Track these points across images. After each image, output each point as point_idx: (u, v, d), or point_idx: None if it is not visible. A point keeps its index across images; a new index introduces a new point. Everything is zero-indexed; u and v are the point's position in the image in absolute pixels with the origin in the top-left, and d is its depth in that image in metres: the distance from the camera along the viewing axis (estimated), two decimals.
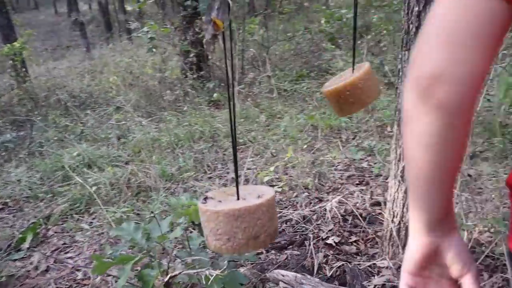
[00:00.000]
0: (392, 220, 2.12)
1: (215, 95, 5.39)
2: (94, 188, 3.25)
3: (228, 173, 3.72)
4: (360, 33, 9.89)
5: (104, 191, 3.34)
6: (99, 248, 2.84)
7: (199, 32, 6.08)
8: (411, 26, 1.85)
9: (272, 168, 2.95)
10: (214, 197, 0.88)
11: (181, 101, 5.62)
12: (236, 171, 0.84)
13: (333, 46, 7.79)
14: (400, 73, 1.95)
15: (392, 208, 2.12)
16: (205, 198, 0.86)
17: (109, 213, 2.99)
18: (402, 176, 2.03)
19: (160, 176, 3.61)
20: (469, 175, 3.33)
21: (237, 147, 3.59)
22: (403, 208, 2.07)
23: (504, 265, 2.11)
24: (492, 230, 1.98)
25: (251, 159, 3.77)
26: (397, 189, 2.07)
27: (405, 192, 2.04)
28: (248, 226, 0.81)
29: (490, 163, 3.43)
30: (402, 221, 2.08)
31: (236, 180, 0.84)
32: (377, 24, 8.98)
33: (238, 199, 0.86)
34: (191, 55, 6.13)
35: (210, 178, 3.67)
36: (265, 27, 8.58)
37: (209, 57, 6.69)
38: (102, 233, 2.97)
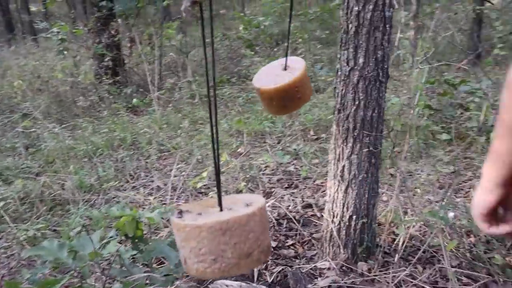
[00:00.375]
0: (332, 221, 2.11)
1: (134, 100, 5.12)
2: (0, 203, 2.88)
3: (152, 181, 3.52)
4: (276, 41, 10.12)
5: (13, 206, 2.98)
6: (8, 272, 2.50)
7: (115, 34, 5.77)
8: (350, 25, 1.85)
9: (205, 174, 2.83)
10: (190, 210, 0.72)
11: (97, 107, 5.26)
12: (217, 175, 0.71)
13: (252, 53, 7.86)
14: (339, 72, 1.95)
15: (332, 209, 2.11)
16: (180, 212, 0.70)
17: (20, 232, 2.65)
18: (342, 176, 2.03)
19: (78, 188, 3.31)
20: (391, 174, 3.48)
21: (162, 155, 3.39)
22: (343, 208, 2.06)
23: (433, 256, 2.19)
24: (427, 224, 2.05)
25: (177, 165, 3.61)
26: (337, 189, 2.06)
27: (345, 191, 2.04)
28: (239, 241, 0.65)
29: (408, 162, 3.62)
30: (342, 220, 2.08)
31: (218, 188, 0.70)
32: (293, 32, 9.23)
33: (221, 210, 0.71)
34: (106, 59, 5.78)
35: (133, 187, 3.44)
36: (183, 32, 8.41)
37: (125, 61, 6.38)
38: (12, 255, 2.62)
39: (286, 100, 1.42)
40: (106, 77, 5.62)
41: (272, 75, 1.47)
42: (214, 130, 0.74)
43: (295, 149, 4.12)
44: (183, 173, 3.41)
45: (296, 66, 1.47)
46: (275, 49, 9.17)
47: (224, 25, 11.33)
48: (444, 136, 3.38)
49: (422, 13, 8.03)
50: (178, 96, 5.69)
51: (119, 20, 5.82)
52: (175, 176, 3.43)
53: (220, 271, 0.65)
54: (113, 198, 3.18)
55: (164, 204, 2.99)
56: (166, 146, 4.23)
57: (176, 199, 3.13)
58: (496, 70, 7.00)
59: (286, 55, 1.57)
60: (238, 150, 3.98)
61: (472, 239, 2.20)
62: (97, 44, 5.85)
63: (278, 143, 4.39)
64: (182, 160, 3.88)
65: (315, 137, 4.54)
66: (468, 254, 2.05)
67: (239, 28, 9.24)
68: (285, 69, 1.50)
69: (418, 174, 3.35)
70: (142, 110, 5.59)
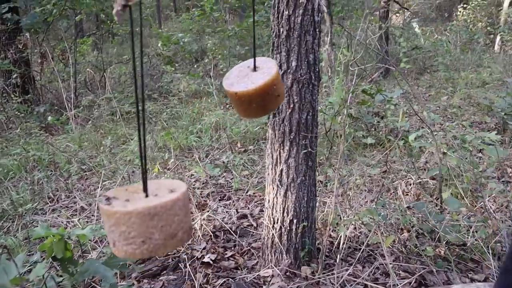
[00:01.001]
0: (273, 226, 2.08)
1: (49, 118, 4.77)
2: None
3: (75, 202, 3.26)
4: (195, 58, 10.08)
5: None
6: None
7: (23, 49, 5.36)
8: (281, 29, 1.86)
9: None
10: (117, 196, 0.71)
11: (5, 128, 4.82)
12: (143, 162, 0.69)
13: (173, 69, 7.76)
14: None
15: (272, 214, 2.08)
16: (108, 199, 0.68)
17: None
18: (280, 180, 2.02)
19: None
20: (320, 181, 3.56)
21: (83, 174, 3.15)
22: (283, 212, 2.05)
23: (370, 255, 2.25)
24: (365, 223, 2.10)
25: (102, 183, 3.39)
26: (276, 194, 2.05)
27: (284, 195, 2.03)
28: (166, 224, 0.69)
29: (339, 165, 3.73)
30: (283, 225, 2.06)
31: (144, 175, 0.69)
32: (212, 49, 9.28)
33: (147, 196, 0.71)
34: (14, 75, 5.34)
35: (54, 210, 3.17)
36: (99, 49, 8.08)
37: (36, 78, 5.94)
38: None
39: (266, 100, 1.37)
40: (14, 95, 5.18)
41: (244, 77, 1.41)
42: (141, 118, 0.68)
43: (224, 162, 4.08)
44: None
45: (266, 65, 1.43)
46: (195, 65, 9.14)
47: (142, 42, 11.08)
48: (369, 140, 3.54)
49: (335, 32, 8.49)
50: (97, 113, 5.41)
51: (27, 34, 5.42)
52: (100, 195, 3.21)
53: (148, 251, 0.69)
54: (31, 222, 2.89)
55: (91, 224, 2.77)
56: (88, 165, 3.97)
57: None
58: (404, 82, 7.55)
59: (254, 56, 1.52)
60: (168, 166, 3.85)
61: (406, 234, 2.29)
62: (2, 60, 5.39)
63: (206, 156, 4.32)
64: (106, 178, 3.66)
65: (243, 149, 4.54)
66: (403, 249, 2.13)
67: (158, 45, 9.09)
68: (254, 70, 1.44)
69: (348, 178, 3.46)
70: (57, 129, 5.24)
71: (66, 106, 5.12)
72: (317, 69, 1.95)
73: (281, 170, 2.01)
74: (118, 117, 5.26)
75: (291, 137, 1.96)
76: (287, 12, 1.84)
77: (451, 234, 2.22)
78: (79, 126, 5.05)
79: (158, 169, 3.00)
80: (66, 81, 6.50)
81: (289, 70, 1.90)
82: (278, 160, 2.01)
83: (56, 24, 7.25)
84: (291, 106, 1.93)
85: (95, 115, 5.39)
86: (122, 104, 5.99)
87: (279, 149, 1.99)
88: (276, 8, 1.88)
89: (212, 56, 8.71)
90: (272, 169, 2.05)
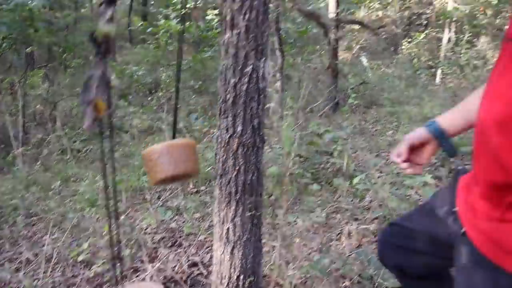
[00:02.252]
0: (221, 282, 2.15)
1: None
2: None
3: (21, 253, 3.18)
4: (149, 90, 10.06)
5: None
6: None
7: None
8: (227, 96, 1.97)
9: (86, 245, 2.66)
10: None
11: None
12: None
13: (126, 103, 7.73)
14: (219, 139, 2.05)
15: (220, 271, 2.15)
16: None
17: None
18: (227, 238, 2.09)
19: None
20: (268, 223, 3.66)
21: (30, 220, 3.09)
22: (230, 268, 2.12)
23: None
24: (308, 276, 2.21)
25: (50, 231, 3.33)
26: (223, 251, 2.12)
27: (231, 253, 2.10)
28: None
29: (284, 212, 3.84)
30: (231, 281, 2.13)
31: None
32: (166, 82, 9.30)
33: None
34: None
35: None
36: (51, 81, 7.94)
37: None
38: None
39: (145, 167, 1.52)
40: None
41: None
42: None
43: (176, 205, 4.10)
44: (59, 241, 3.16)
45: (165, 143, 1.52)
46: (149, 98, 9.13)
47: None
48: (315, 187, 3.69)
49: (286, 64, 8.76)
50: (47, 152, 5.31)
51: None
52: (48, 244, 3.15)
53: None
54: None
55: (37, 279, 2.72)
56: (35, 210, 3.89)
57: (51, 271, 2.88)
58: (352, 116, 7.86)
59: (174, 126, 1.61)
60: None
61: (347, 283, 2.42)
62: None
63: (158, 198, 4.33)
64: (54, 225, 3.59)
65: (195, 189, 4.58)
66: None
67: (111, 77, 9.04)
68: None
69: (295, 223, 3.57)
70: (2, 169, 5.09)
71: (13, 144, 4.99)
72: (262, 133, 2.07)
73: (228, 228, 2.09)
74: (68, 155, 5.18)
75: (237, 197, 2.05)
76: (233, 80, 1.96)
77: (389, 280, 2.36)
78: (27, 165, 4.92)
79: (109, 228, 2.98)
80: (14, 115, 6.34)
81: (235, 134, 2.00)
82: (225, 218, 2.09)
83: (6, 54, 7.10)
84: (237, 168, 2.03)
85: (44, 154, 5.28)
86: (74, 141, 5.90)
87: (225, 208, 2.08)
88: (223, 75, 1.99)
89: (166, 89, 8.76)
90: (219, 227, 2.12)
